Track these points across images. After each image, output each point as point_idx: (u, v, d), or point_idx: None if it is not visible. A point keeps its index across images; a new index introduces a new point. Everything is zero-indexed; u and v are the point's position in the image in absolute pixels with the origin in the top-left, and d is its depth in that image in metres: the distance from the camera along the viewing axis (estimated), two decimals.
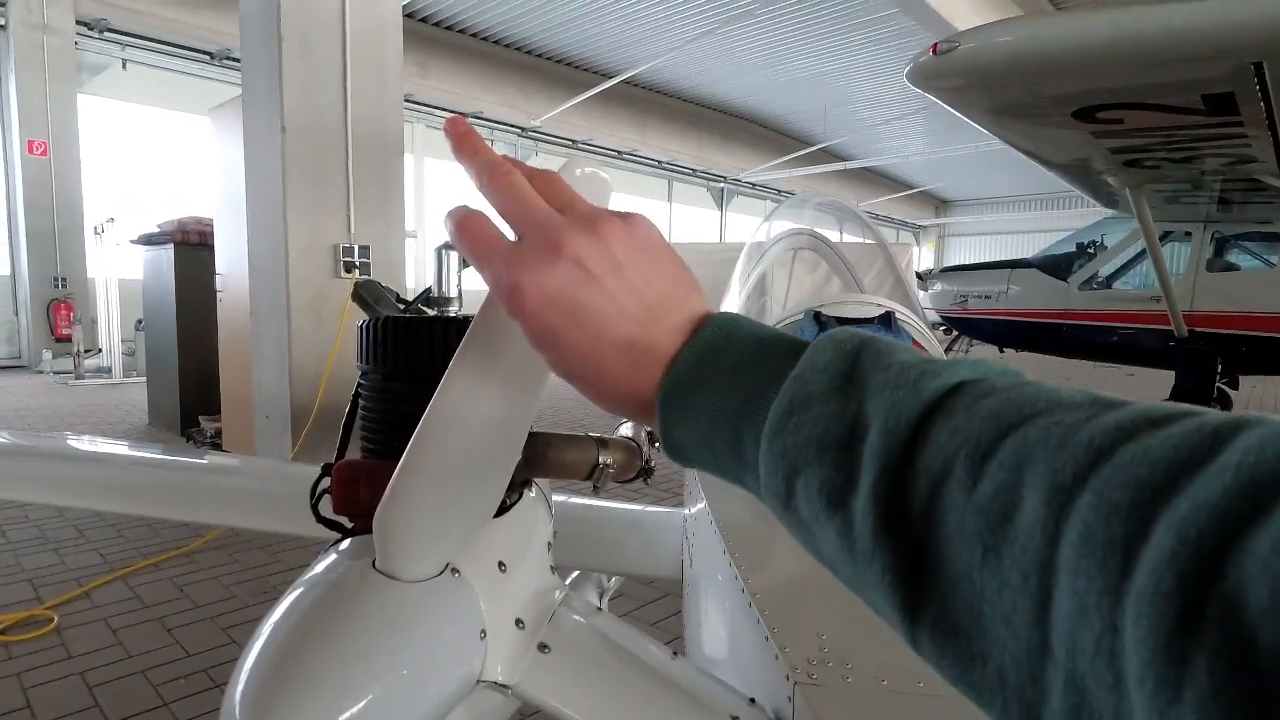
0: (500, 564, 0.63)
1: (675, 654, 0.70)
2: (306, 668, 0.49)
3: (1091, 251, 7.47)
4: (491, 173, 0.40)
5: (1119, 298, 7.03)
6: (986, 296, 7.85)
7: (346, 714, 0.48)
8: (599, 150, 16.37)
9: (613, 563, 1.47)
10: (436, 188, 13.93)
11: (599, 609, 0.74)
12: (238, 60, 5.14)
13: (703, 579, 1.09)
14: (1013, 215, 26.84)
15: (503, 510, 0.68)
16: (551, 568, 0.75)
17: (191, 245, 5.94)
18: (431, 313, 0.75)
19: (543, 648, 0.62)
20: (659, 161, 18.06)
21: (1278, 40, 2.92)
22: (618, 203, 0.46)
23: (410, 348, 0.67)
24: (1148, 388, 7.68)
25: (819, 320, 1.41)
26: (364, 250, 4.66)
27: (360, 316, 0.73)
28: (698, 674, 0.69)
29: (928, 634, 0.29)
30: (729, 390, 0.36)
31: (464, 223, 0.40)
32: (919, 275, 8.94)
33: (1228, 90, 3.34)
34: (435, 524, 0.54)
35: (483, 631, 0.59)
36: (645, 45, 13.04)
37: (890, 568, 0.29)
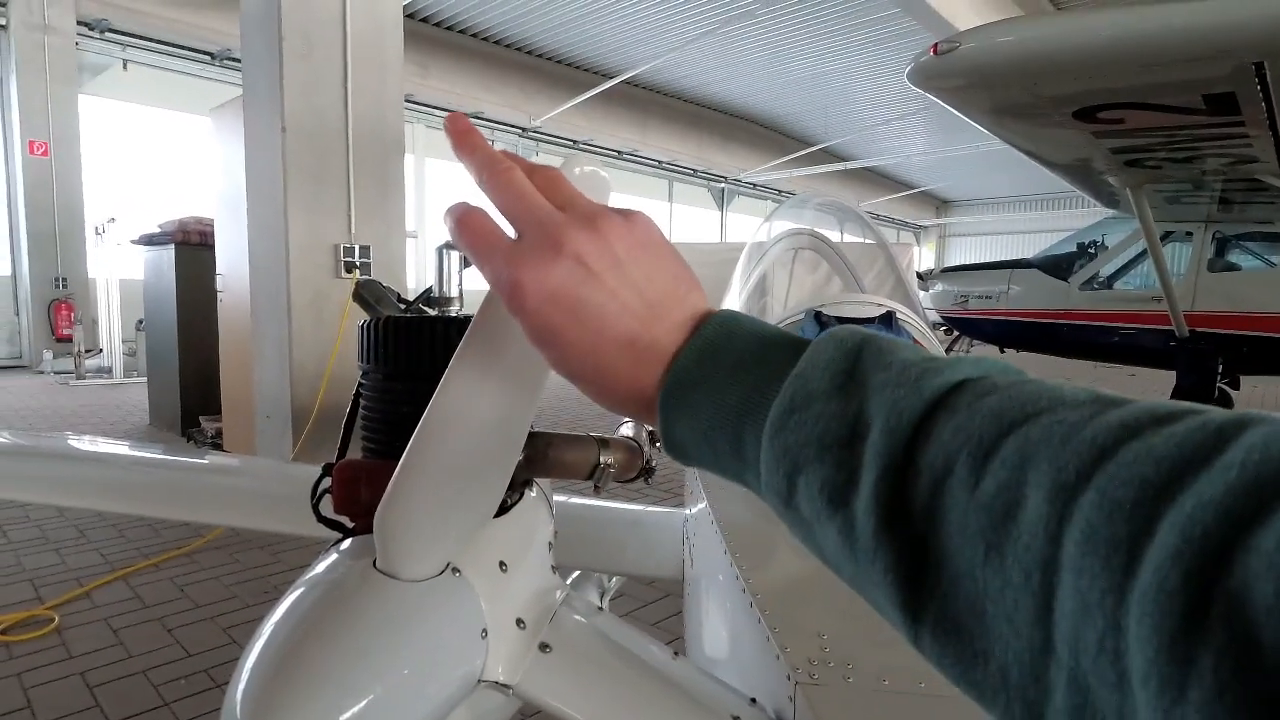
0: (501, 564, 0.63)
1: (676, 654, 0.70)
2: (307, 667, 0.49)
3: (1092, 251, 7.47)
4: (491, 169, 0.40)
5: (1120, 298, 7.03)
6: (987, 297, 7.85)
7: (348, 714, 0.48)
8: (600, 150, 16.37)
9: (614, 563, 1.46)
10: (437, 188, 13.94)
11: (600, 609, 0.74)
12: (238, 60, 5.14)
13: (704, 579, 1.09)
14: (1013, 215, 26.83)
15: (504, 510, 0.68)
16: (552, 567, 0.75)
17: (192, 245, 5.94)
18: (432, 312, 0.75)
19: (544, 648, 0.62)
20: (659, 162, 18.06)
21: (1278, 40, 2.92)
22: (618, 203, 0.46)
23: (411, 347, 0.67)
24: (1149, 388, 7.68)
25: (820, 320, 1.41)
26: (364, 250, 4.67)
27: (361, 316, 0.73)
28: (699, 674, 0.69)
29: (930, 632, 0.29)
30: (730, 388, 0.36)
31: (464, 219, 0.40)
32: (920, 275, 8.95)
33: (1229, 90, 3.34)
34: (436, 523, 0.54)
35: (484, 631, 0.59)
36: (646, 45, 13.05)
37: (892, 566, 0.29)
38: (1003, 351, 8.16)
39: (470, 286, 0.75)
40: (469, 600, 0.59)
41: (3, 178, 10.58)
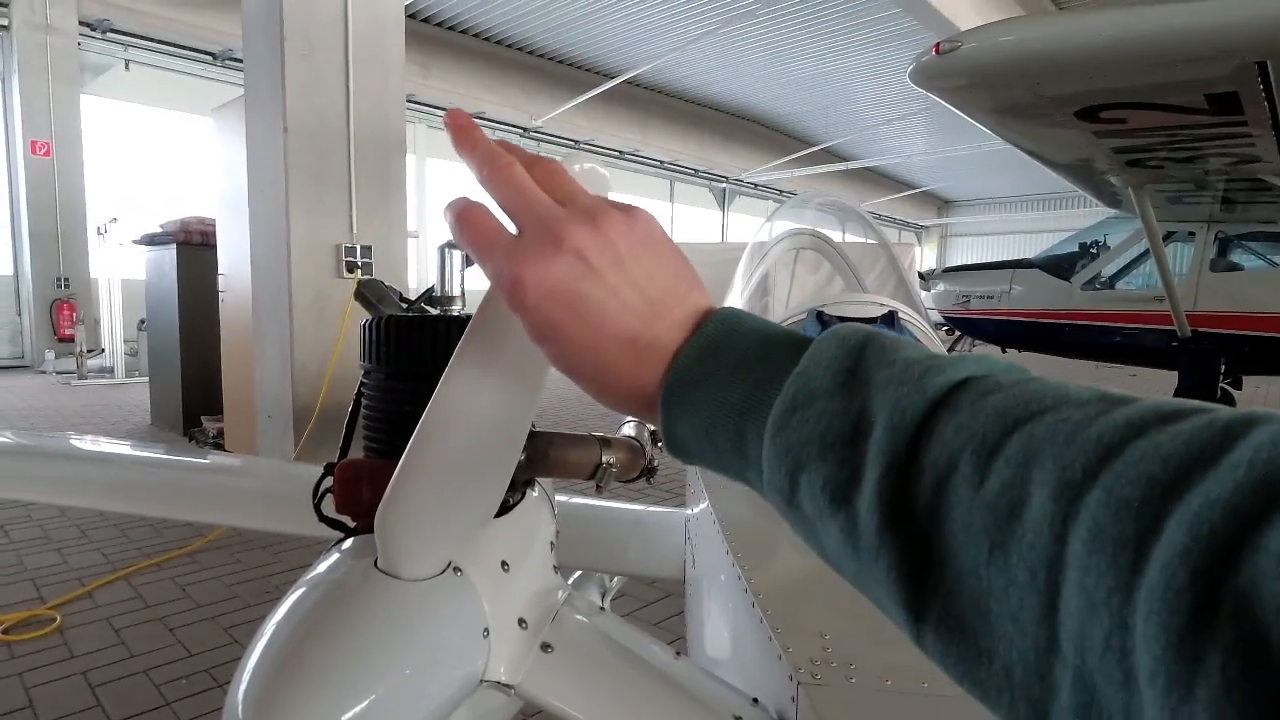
0: (503, 563, 0.63)
1: (678, 654, 0.70)
2: (309, 667, 0.49)
3: (1094, 251, 7.46)
4: (492, 165, 0.40)
5: (1122, 298, 7.02)
6: (989, 296, 7.84)
7: (349, 713, 0.48)
8: (601, 150, 16.37)
9: (615, 563, 1.46)
10: (439, 188, 13.94)
11: (602, 609, 0.74)
12: (240, 61, 5.15)
13: (705, 579, 1.09)
14: (1015, 215, 26.80)
15: (506, 510, 0.68)
16: (554, 567, 0.75)
17: (194, 245, 5.94)
18: (434, 312, 0.75)
19: (545, 647, 0.62)
20: (661, 162, 18.06)
21: None
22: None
23: (413, 347, 0.67)
24: (1151, 388, 7.65)
25: (821, 320, 1.41)
26: (366, 250, 4.67)
27: (363, 316, 0.73)
28: (700, 674, 0.69)
29: (933, 631, 0.28)
30: (732, 386, 0.36)
31: (464, 215, 0.40)
32: (921, 275, 8.94)
33: (1231, 90, 3.33)
34: (437, 523, 0.54)
35: (485, 631, 0.59)
36: (647, 45, 13.05)
37: (895, 564, 0.29)
38: (1004, 351, 8.15)
39: (472, 286, 0.75)
40: (471, 600, 0.58)
41: (5, 177, 10.60)
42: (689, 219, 20.10)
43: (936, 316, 8.22)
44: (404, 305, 0.80)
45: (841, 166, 18.63)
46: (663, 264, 0.40)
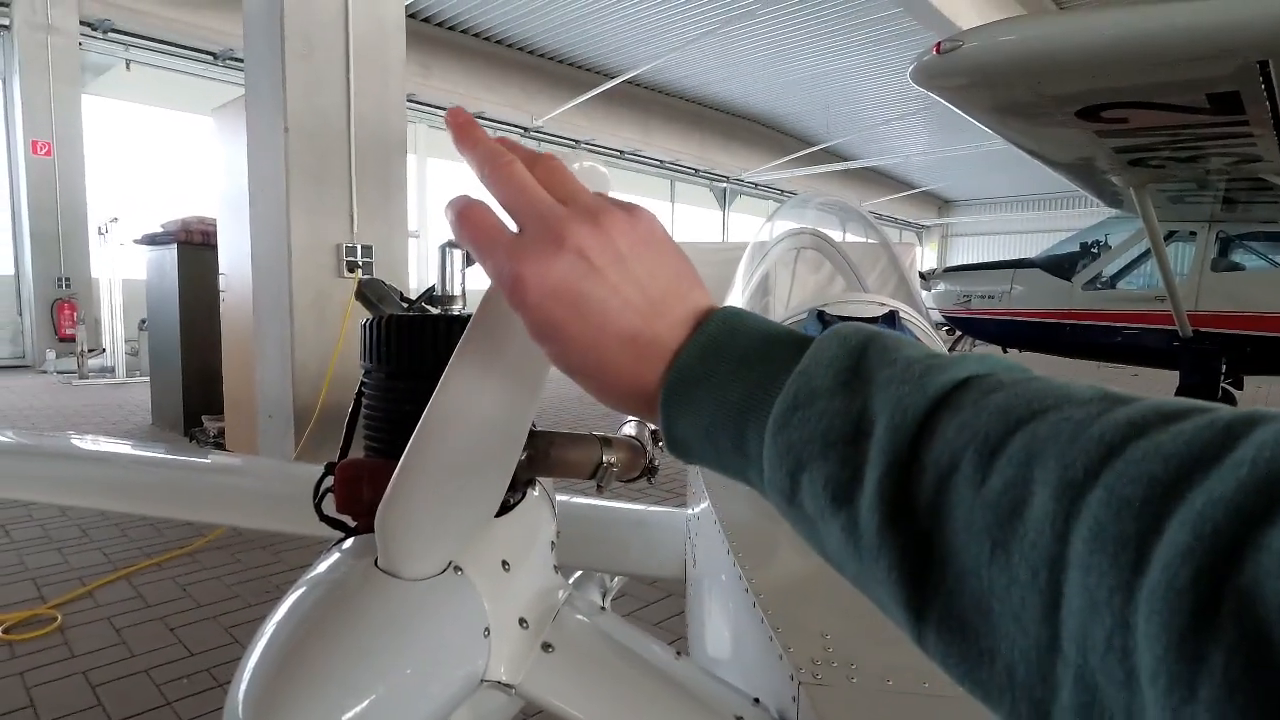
0: (504, 563, 0.63)
1: (679, 654, 0.70)
2: (310, 667, 0.49)
3: (1095, 251, 7.46)
4: (493, 163, 0.40)
5: (1123, 298, 7.02)
6: (990, 296, 7.84)
7: (350, 713, 0.48)
8: (602, 150, 16.37)
9: (616, 562, 1.46)
10: (440, 188, 13.94)
11: (602, 609, 0.74)
12: (241, 61, 5.15)
13: (706, 579, 1.09)
14: (1016, 215, 26.79)
15: (506, 509, 0.67)
16: (555, 567, 0.74)
17: (195, 245, 5.95)
18: (435, 311, 0.75)
19: (546, 647, 0.62)
20: (661, 161, 18.06)
21: None
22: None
23: (414, 346, 0.67)
24: (1152, 388, 7.63)
25: (822, 319, 1.41)
26: (367, 250, 4.67)
27: (363, 316, 0.73)
28: (701, 674, 0.69)
29: (934, 631, 0.28)
30: (733, 385, 0.36)
31: (465, 213, 0.40)
32: (922, 275, 8.93)
33: (1233, 89, 3.33)
34: (437, 522, 0.54)
35: (486, 630, 0.58)
36: (647, 45, 13.05)
37: (896, 564, 0.29)
38: (1005, 351, 8.14)
39: (473, 285, 0.75)
40: (471, 599, 0.58)
41: (6, 177, 10.61)
42: (690, 219, 20.10)
43: (937, 316, 8.22)
44: (405, 305, 0.80)
45: (842, 166, 18.62)
46: (664, 263, 0.40)
